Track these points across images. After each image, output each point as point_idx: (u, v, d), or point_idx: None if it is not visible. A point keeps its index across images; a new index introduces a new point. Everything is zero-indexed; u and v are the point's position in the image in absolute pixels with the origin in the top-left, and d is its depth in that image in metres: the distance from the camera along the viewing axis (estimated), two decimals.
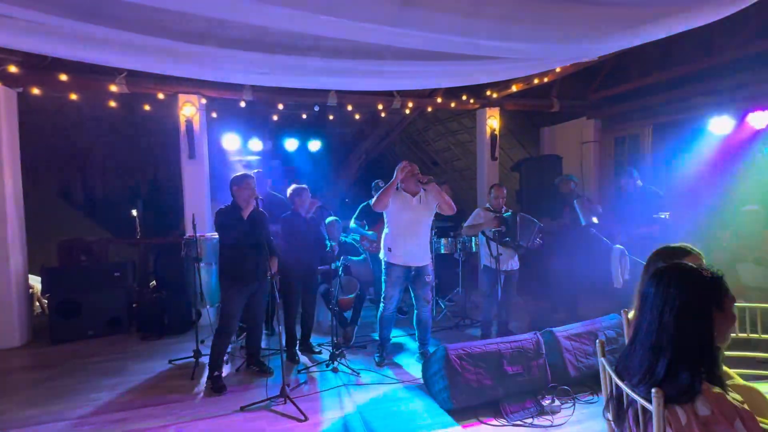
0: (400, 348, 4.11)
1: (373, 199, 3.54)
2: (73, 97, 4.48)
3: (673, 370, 1.10)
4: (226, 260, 3.32)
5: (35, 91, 4.31)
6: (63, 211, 7.32)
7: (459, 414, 2.84)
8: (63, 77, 4.22)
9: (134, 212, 6.21)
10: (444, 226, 5.32)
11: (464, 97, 5.77)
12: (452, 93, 5.71)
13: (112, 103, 4.76)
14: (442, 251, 4.99)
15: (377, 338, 3.80)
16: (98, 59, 3.44)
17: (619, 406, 1.28)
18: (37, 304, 5.40)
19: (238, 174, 3.33)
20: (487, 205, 4.11)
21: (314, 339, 4.13)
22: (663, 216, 3.75)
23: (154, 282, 5.55)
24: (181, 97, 4.75)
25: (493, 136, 6.01)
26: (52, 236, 5.61)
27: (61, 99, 4.60)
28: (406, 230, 3.51)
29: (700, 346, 1.11)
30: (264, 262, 3.30)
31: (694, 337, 1.11)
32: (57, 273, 4.57)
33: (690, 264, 1.16)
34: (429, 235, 3.68)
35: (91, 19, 2.59)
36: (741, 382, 1.90)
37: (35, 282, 5.37)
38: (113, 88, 4.38)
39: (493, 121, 5.99)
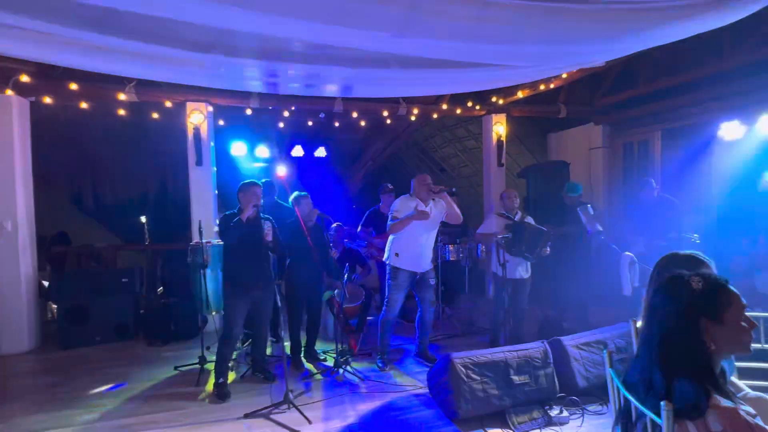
0: (404, 355, 4.07)
1: (391, 223, 3.59)
2: (83, 105, 4.56)
3: (668, 382, 1.08)
4: (227, 266, 3.35)
5: (47, 100, 4.40)
6: (74, 217, 7.44)
7: (465, 424, 2.79)
8: (73, 86, 4.30)
9: (143, 219, 6.26)
10: (451, 232, 5.28)
11: (470, 104, 5.76)
12: (458, 99, 5.71)
13: (122, 112, 4.83)
14: (449, 258, 4.93)
15: (378, 345, 3.78)
16: (108, 69, 3.50)
17: (627, 420, 1.24)
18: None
19: (245, 181, 3.34)
20: (502, 211, 4.05)
21: (320, 346, 4.10)
22: (693, 239, 3.54)
23: (161, 288, 5.58)
24: (189, 105, 4.81)
25: (499, 142, 5.98)
26: None
27: (73, 108, 4.68)
28: (416, 236, 3.58)
29: (692, 358, 1.07)
30: (266, 270, 3.28)
31: (680, 348, 1.08)
32: (67, 278, 4.62)
33: (684, 274, 1.13)
34: (434, 242, 3.80)
35: (101, 30, 2.64)
36: (751, 393, 1.83)
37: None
38: (122, 96, 4.45)
39: (499, 128, 5.96)
